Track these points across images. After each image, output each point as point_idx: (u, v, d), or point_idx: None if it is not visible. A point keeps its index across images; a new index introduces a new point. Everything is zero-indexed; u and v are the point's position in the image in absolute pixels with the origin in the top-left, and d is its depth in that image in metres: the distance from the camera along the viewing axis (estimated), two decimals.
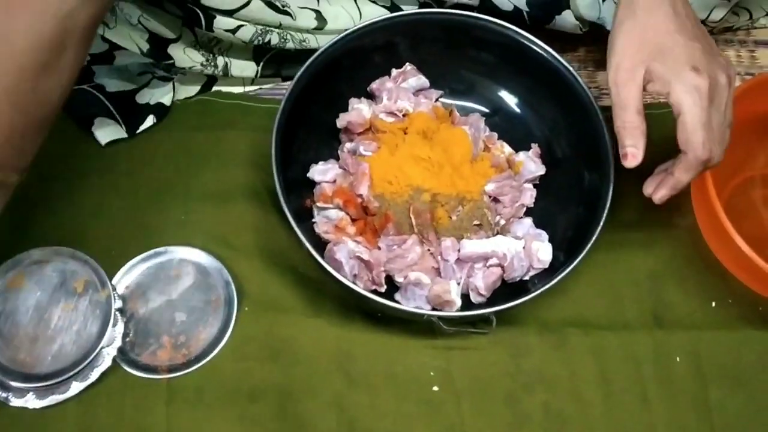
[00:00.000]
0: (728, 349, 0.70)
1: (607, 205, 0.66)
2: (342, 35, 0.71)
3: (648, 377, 0.68)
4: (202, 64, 0.75)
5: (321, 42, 0.74)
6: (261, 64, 0.79)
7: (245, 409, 0.65)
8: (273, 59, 0.79)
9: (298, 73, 0.69)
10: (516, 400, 0.67)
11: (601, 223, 0.65)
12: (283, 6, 0.72)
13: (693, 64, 0.57)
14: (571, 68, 0.70)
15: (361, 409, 0.66)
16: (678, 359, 0.69)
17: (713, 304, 0.72)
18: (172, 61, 0.73)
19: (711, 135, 0.57)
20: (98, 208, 0.73)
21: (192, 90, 0.80)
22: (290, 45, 0.75)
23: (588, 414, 0.67)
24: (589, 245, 0.65)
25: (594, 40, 0.87)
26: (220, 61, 0.76)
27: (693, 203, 0.72)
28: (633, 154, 0.56)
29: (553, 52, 0.71)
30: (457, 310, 0.66)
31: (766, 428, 0.67)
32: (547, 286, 0.64)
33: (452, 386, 0.67)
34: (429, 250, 0.69)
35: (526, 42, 0.72)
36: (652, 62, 0.56)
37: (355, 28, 0.71)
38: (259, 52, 0.78)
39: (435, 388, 0.67)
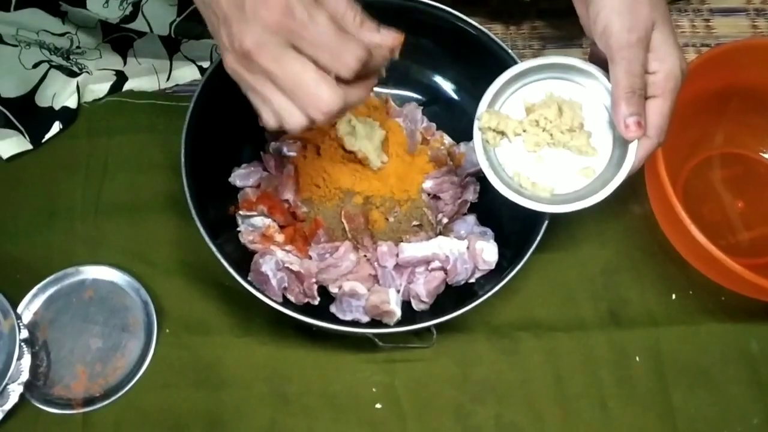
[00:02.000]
0: (690, 344, 0.66)
1: None
2: None
3: (606, 380, 0.64)
4: None
5: None
6: (184, 14, 0.68)
7: None
8: (198, 14, 0.69)
9: (213, 66, 0.62)
10: (465, 414, 0.63)
11: (548, 216, 0.60)
12: None
13: (678, 43, 0.52)
14: (509, 50, 0.64)
15: None
16: (638, 359, 0.65)
17: (673, 296, 0.68)
18: None
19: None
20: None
21: (100, 90, 0.73)
22: None
23: (543, 424, 0.63)
24: (536, 241, 0.60)
25: (539, 14, 0.82)
26: None
27: (647, 189, 0.67)
28: (640, 122, 0.50)
29: (490, 34, 0.65)
30: (398, 321, 0.61)
31: (731, 427, 0.63)
32: (493, 291, 0.58)
33: (396, 403, 0.63)
34: (365, 256, 0.64)
35: (461, 24, 0.66)
36: (654, 30, 0.51)
37: None
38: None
39: (378, 406, 0.63)
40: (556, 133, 0.54)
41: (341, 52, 0.42)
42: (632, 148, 0.52)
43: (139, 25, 0.66)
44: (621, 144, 0.53)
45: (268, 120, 0.45)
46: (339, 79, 0.43)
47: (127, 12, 0.65)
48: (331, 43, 0.42)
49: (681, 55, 0.51)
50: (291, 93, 0.43)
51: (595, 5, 0.51)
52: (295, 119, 0.44)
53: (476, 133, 0.55)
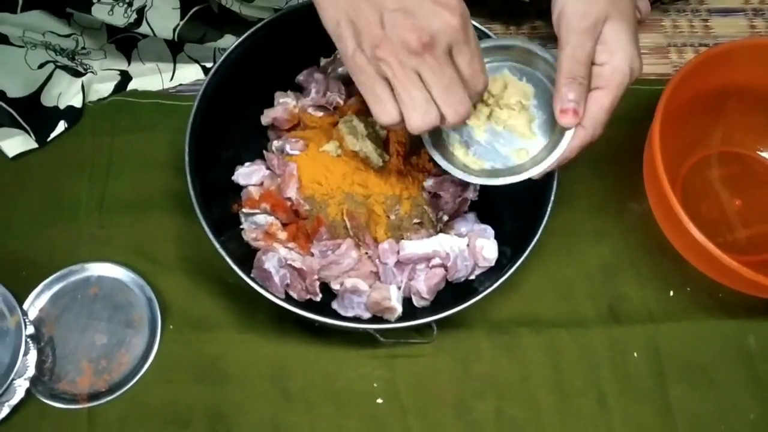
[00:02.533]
0: (688, 341, 0.66)
1: (553, 194, 0.61)
2: (264, 21, 0.65)
3: (605, 376, 0.65)
4: None
5: (246, 12, 0.68)
6: (186, 16, 0.69)
7: None
8: (200, 16, 0.70)
9: (216, 65, 0.63)
10: (466, 409, 0.63)
11: (548, 214, 0.61)
12: None
13: (635, 39, 0.53)
14: None
15: (300, 428, 0.62)
16: (636, 355, 0.66)
17: (671, 293, 0.68)
18: None
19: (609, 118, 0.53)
20: (4, 226, 0.68)
21: (105, 90, 0.74)
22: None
23: (543, 419, 0.63)
24: (535, 239, 0.60)
25: (539, 15, 0.83)
26: (138, 1, 0.65)
27: (646, 188, 0.68)
28: (576, 110, 0.51)
29: (490, 33, 0.65)
30: (399, 317, 0.62)
31: (728, 423, 0.64)
32: (492, 287, 0.59)
33: (397, 398, 0.64)
34: (366, 253, 0.64)
35: None
36: (606, 23, 0.51)
37: (279, 14, 0.65)
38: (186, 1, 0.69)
39: (379, 401, 0.63)
40: (496, 109, 0.55)
41: (478, 75, 0.48)
42: (567, 136, 0.53)
43: (143, 30, 0.67)
44: (558, 132, 0.54)
45: (386, 114, 0.48)
46: None
47: (132, 19, 0.66)
48: (476, 62, 0.48)
49: (635, 54, 0.52)
50: (442, 90, 0.46)
51: None
52: (429, 116, 0.47)
53: None
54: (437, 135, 0.56)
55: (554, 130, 0.55)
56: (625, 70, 0.51)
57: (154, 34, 0.68)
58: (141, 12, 0.66)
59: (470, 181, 0.55)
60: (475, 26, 0.65)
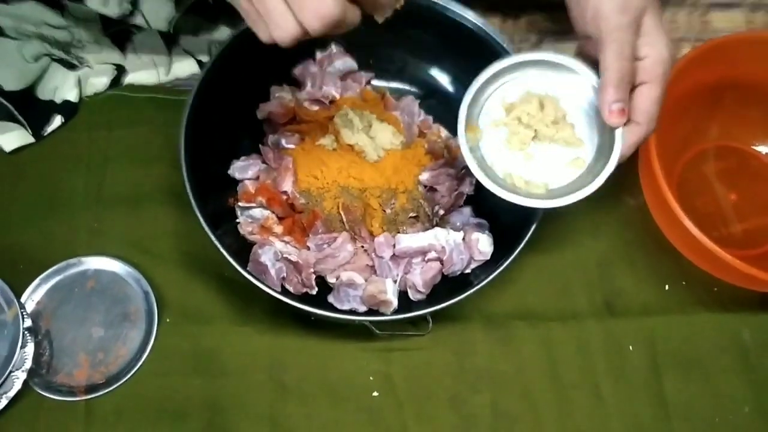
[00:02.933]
0: (683, 334, 0.67)
1: None
2: None
3: (600, 369, 0.65)
4: None
5: None
6: (181, 8, 0.68)
7: (171, 428, 0.62)
8: (195, 7, 0.69)
9: (212, 60, 0.63)
10: (461, 402, 0.64)
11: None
12: None
13: (666, 28, 0.53)
14: (503, 43, 0.65)
15: (297, 420, 0.63)
16: (631, 348, 0.66)
17: (666, 287, 0.68)
18: None
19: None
20: (2, 220, 0.68)
21: (100, 84, 0.73)
22: None
23: (538, 412, 0.64)
24: (530, 233, 0.60)
25: (537, 7, 0.82)
26: None
27: (641, 182, 0.68)
28: (624, 109, 0.51)
29: (485, 27, 0.66)
30: (395, 310, 0.62)
31: (722, 415, 0.64)
32: (486, 280, 0.59)
33: (393, 391, 0.64)
34: (362, 247, 0.65)
35: (457, 17, 0.67)
36: (645, 15, 0.51)
37: None
38: None
39: (375, 394, 0.64)
40: (541, 128, 0.55)
41: None
42: (618, 135, 0.52)
43: (138, 21, 0.67)
44: (606, 132, 0.53)
45: (262, 33, 0.44)
46: None
47: (126, 10, 0.66)
48: None
49: (669, 42, 0.52)
50: None
51: None
52: (288, 26, 0.42)
53: (462, 142, 0.55)
54: (488, 172, 0.56)
55: (599, 130, 0.55)
56: (666, 60, 0.51)
57: (149, 26, 0.67)
58: (135, 3, 0.65)
59: (547, 206, 0.54)
60: (473, 23, 0.66)
